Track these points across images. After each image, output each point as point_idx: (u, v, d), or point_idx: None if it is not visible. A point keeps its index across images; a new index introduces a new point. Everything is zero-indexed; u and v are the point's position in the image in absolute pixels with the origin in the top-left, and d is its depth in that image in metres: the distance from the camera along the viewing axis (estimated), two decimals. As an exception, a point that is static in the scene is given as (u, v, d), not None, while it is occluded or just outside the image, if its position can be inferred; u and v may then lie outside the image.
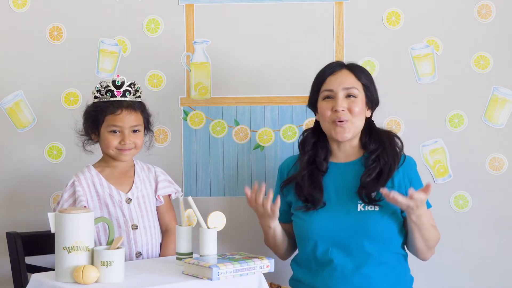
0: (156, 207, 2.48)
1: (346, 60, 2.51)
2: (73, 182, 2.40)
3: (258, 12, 2.79)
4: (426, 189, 2.24)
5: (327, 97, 2.40)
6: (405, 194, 2.34)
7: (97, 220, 2.04)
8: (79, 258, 1.92)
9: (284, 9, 2.79)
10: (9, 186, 2.79)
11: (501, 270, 2.77)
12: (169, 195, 2.51)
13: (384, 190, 2.22)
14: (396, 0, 2.78)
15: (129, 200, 2.40)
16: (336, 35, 2.79)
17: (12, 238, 2.51)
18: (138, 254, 2.38)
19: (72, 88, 2.80)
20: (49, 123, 2.80)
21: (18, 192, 2.79)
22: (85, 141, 2.47)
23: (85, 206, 2.34)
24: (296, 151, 2.73)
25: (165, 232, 2.48)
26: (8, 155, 2.79)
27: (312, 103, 2.47)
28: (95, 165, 2.46)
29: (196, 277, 1.98)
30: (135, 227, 2.39)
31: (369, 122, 2.46)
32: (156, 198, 2.46)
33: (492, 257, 2.77)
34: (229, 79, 2.81)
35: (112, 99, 2.38)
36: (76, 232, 1.91)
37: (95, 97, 2.41)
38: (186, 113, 2.81)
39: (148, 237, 2.41)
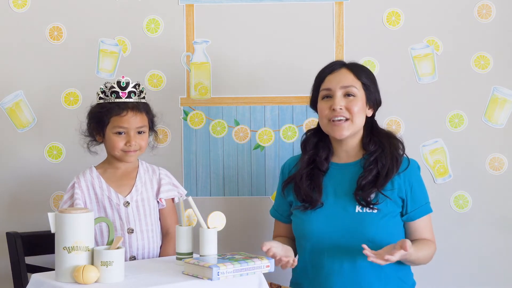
0: (159, 209, 2.47)
1: (346, 60, 2.51)
2: (73, 184, 2.40)
3: (258, 12, 2.79)
4: (403, 246, 2.14)
5: (326, 96, 2.39)
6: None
7: (97, 220, 2.04)
8: (79, 258, 1.91)
9: (284, 9, 2.79)
10: (9, 186, 2.79)
11: (501, 270, 2.77)
12: (172, 199, 2.49)
13: (367, 251, 2.17)
14: (396, 0, 2.78)
15: (127, 204, 2.39)
16: (336, 35, 2.79)
17: (12, 238, 2.51)
18: (132, 258, 2.37)
19: (72, 88, 2.80)
20: (49, 123, 2.80)
21: (18, 192, 2.79)
22: (90, 142, 2.46)
23: None
24: (296, 151, 2.73)
25: (165, 236, 2.46)
26: (8, 155, 2.79)
27: (313, 103, 2.46)
28: (97, 166, 2.45)
29: (196, 277, 1.98)
30: (130, 231, 2.37)
31: (371, 122, 2.44)
32: (158, 201, 2.46)
33: (492, 257, 2.77)
34: (229, 79, 2.80)
35: (117, 100, 2.36)
36: (76, 232, 1.91)
37: (100, 98, 2.39)
38: (186, 113, 2.81)
39: (145, 241, 2.39)
